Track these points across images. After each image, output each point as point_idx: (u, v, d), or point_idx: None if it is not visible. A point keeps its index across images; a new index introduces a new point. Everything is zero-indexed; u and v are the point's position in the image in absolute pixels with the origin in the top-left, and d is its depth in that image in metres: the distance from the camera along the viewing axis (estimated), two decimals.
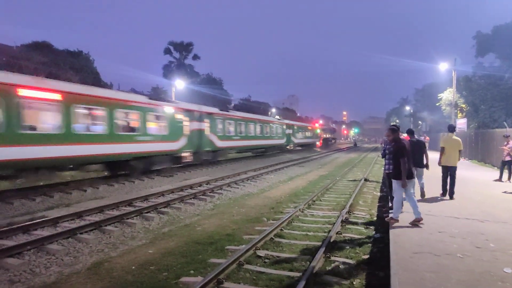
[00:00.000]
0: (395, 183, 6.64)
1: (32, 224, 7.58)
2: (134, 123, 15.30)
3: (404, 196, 6.72)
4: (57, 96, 11.78)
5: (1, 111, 10.05)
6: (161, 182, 14.90)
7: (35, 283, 5.05)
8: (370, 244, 6.53)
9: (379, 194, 12.14)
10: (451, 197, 8.82)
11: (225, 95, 52.55)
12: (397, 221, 6.51)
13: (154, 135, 16.18)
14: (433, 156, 9.35)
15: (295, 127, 42.61)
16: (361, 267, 5.42)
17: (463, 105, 30.84)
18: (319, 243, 6.40)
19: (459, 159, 9.00)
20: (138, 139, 15.17)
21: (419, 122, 59.42)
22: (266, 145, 32.64)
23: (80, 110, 12.66)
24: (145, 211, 9.20)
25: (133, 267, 5.58)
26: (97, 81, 32.06)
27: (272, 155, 33.60)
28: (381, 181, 14.91)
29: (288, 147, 39.54)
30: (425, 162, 8.71)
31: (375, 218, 8.55)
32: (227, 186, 13.62)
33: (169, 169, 18.11)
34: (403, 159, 6.29)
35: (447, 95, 32.62)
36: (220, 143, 22.83)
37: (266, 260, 5.75)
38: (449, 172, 8.85)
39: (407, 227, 6.23)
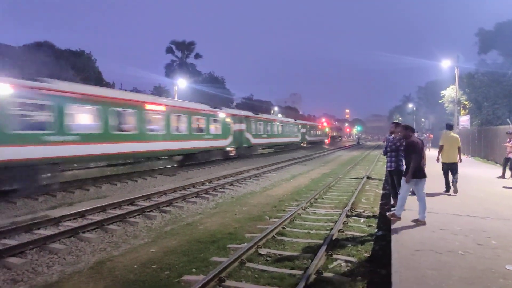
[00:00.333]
0: (403, 180, 6.51)
1: (34, 223, 7.62)
2: (201, 126, 20.51)
3: (415, 196, 6.56)
4: (163, 108, 16.95)
5: (137, 118, 15.19)
6: (163, 181, 14.94)
7: (37, 282, 5.08)
8: (372, 242, 6.52)
9: (381, 192, 12.12)
10: (455, 189, 9.03)
11: (227, 94, 52.52)
12: (399, 218, 6.42)
13: (213, 134, 21.59)
14: (433, 154, 9.40)
15: (308, 127, 48.78)
16: (363, 265, 5.41)
17: (466, 102, 30.70)
18: (321, 241, 6.40)
19: (459, 156, 9.19)
20: (204, 137, 20.60)
21: (422, 119, 59.23)
22: (286, 142, 38.50)
23: (174, 117, 17.77)
24: (148, 210, 9.23)
25: (135, 266, 5.60)
26: (99, 81, 32.15)
27: (289, 151, 37.79)
28: (383, 178, 14.87)
29: (302, 144, 44.72)
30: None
31: (377, 216, 8.54)
32: (230, 184, 13.63)
33: (174, 168, 19.04)
34: (415, 155, 6.22)
35: (450, 92, 32.47)
36: (253, 140, 28.28)
37: (268, 258, 5.75)
38: (450, 169, 9.12)
39: (409, 224, 6.21)
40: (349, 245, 6.34)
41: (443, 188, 9.25)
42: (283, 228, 7.47)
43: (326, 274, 5.02)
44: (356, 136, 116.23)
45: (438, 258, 4.57)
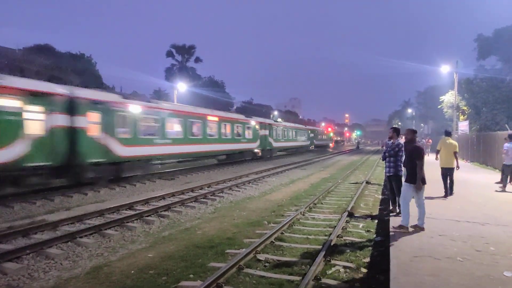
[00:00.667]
0: (406, 187, 6.33)
1: (31, 227, 7.58)
2: (239, 131, 25.69)
3: (415, 203, 6.36)
4: (216, 119, 22.32)
5: (200, 127, 20.35)
6: (162, 186, 14.90)
7: None
8: (370, 248, 6.49)
9: (380, 197, 12.10)
10: (451, 193, 9.50)
11: (227, 98, 52.63)
12: (407, 229, 6.15)
13: (246, 138, 26.83)
14: (433, 159, 9.58)
15: (316, 132, 54.88)
16: (361, 271, 5.39)
17: (465, 108, 30.75)
18: (320, 247, 6.36)
19: (456, 162, 9.53)
20: (241, 141, 25.82)
21: (421, 125, 59.33)
22: (299, 145, 43.97)
23: (223, 125, 22.98)
24: (146, 215, 9.20)
25: (133, 271, 5.56)
26: (99, 84, 32.17)
27: (300, 154, 42.85)
28: (382, 184, 14.85)
29: (310, 147, 50.28)
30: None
31: (376, 221, 8.51)
32: (229, 189, 13.60)
33: (172, 172, 18.92)
34: (420, 161, 6.13)
35: (449, 98, 32.56)
36: (274, 144, 33.38)
37: (266, 264, 5.72)
38: (448, 173, 9.53)
39: (408, 230, 6.19)
40: (348, 250, 6.31)
41: (442, 193, 9.28)
42: (282, 233, 7.44)
43: (325, 280, 5.00)
44: (356, 141, 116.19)
45: (437, 265, 4.55)
